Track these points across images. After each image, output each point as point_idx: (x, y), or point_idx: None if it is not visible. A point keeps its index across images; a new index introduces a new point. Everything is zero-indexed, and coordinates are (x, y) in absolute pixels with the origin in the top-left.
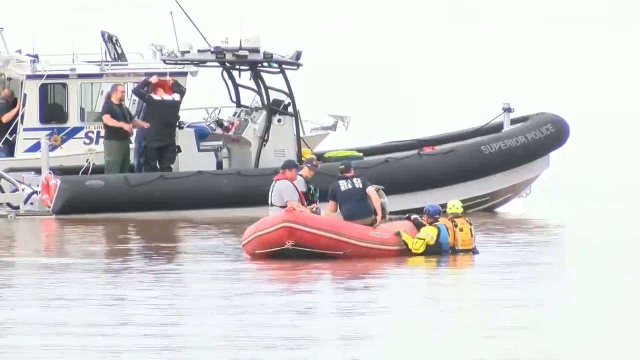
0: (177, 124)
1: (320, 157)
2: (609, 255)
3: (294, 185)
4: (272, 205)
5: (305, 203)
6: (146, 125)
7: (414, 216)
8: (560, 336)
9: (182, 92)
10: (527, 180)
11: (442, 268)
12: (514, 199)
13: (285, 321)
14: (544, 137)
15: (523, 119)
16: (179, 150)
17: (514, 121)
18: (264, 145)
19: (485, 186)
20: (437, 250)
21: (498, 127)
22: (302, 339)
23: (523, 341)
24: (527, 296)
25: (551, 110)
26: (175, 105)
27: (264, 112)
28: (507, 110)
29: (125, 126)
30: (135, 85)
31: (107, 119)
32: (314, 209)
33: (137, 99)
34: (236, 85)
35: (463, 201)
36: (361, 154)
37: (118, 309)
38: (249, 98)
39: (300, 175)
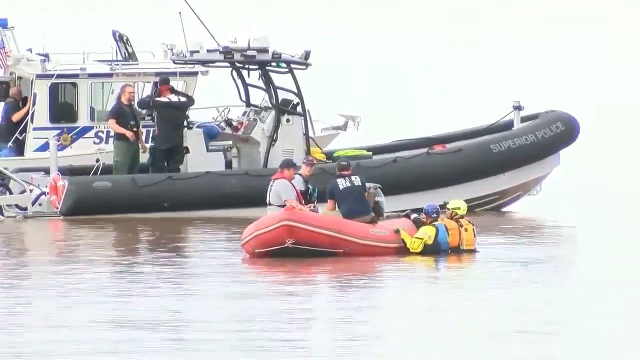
0: (187, 124)
1: (329, 156)
2: (619, 253)
3: (292, 185)
4: (270, 204)
5: (304, 202)
6: (146, 147)
7: (414, 216)
8: (570, 337)
9: (189, 99)
10: (538, 179)
11: (445, 269)
12: (524, 197)
13: (286, 325)
14: (554, 136)
15: (533, 117)
16: (187, 152)
17: (524, 119)
18: (273, 145)
19: (495, 185)
20: (435, 250)
21: (508, 125)
22: (300, 345)
23: (533, 343)
24: (535, 297)
25: (562, 109)
26: (182, 107)
27: (273, 112)
28: (518, 108)
29: (128, 134)
30: (145, 85)
31: (112, 124)
32: (311, 209)
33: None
34: (246, 85)
35: (473, 200)
36: (370, 153)
37: (125, 311)
38: (259, 98)
39: (300, 174)
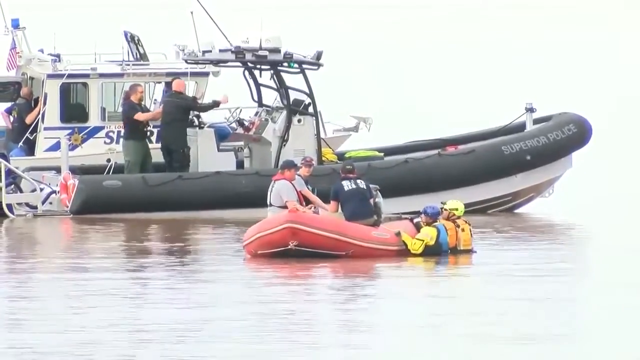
0: (198, 124)
1: (341, 156)
2: (631, 256)
3: (293, 186)
4: (270, 205)
5: (304, 203)
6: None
7: (416, 220)
8: (579, 339)
9: (189, 99)
10: (550, 180)
11: (448, 270)
12: (536, 199)
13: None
14: (566, 137)
15: (546, 119)
16: (188, 150)
17: (537, 121)
18: (284, 145)
19: (507, 186)
20: (436, 251)
21: (521, 127)
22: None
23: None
24: (546, 307)
25: (574, 110)
26: (179, 106)
27: (285, 112)
28: (530, 110)
29: (156, 114)
30: (156, 85)
31: (139, 115)
32: (313, 210)
33: (157, 99)
34: (258, 85)
35: (485, 201)
36: (382, 154)
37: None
38: (271, 98)
39: (299, 175)
